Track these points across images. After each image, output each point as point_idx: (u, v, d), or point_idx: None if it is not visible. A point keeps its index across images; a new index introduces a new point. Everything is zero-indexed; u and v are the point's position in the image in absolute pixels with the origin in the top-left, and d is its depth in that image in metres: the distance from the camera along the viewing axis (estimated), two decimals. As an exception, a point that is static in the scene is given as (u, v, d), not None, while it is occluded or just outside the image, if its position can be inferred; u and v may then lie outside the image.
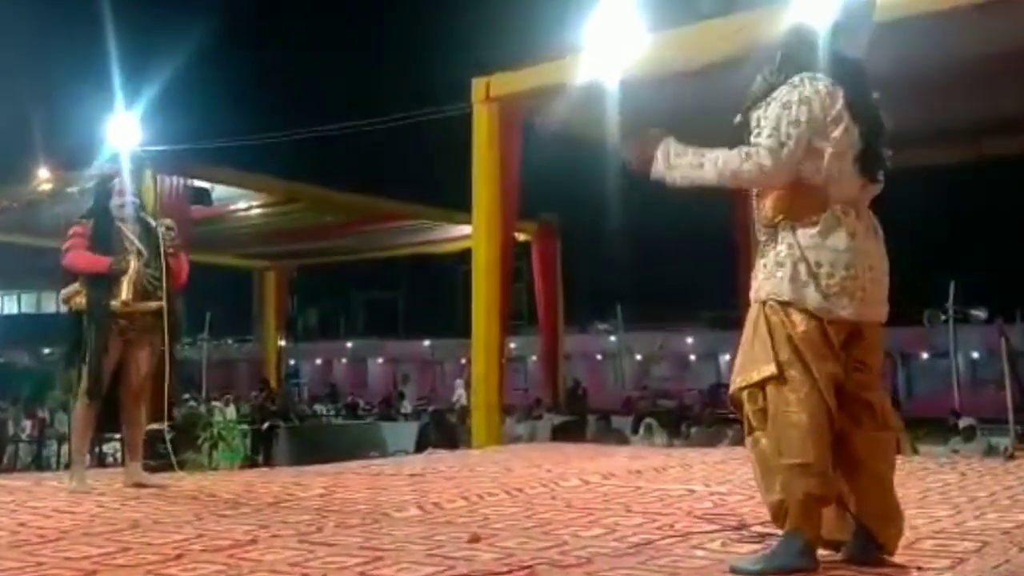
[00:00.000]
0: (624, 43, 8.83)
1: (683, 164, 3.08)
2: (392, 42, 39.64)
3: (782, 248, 2.95)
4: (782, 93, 2.96)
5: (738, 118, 3.10)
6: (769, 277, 2.96)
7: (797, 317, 2.90)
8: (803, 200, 2.94)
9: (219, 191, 13.29)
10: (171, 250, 5.15)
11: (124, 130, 12.59)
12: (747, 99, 3.07)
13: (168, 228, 5.24)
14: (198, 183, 12.75)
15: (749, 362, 2.96)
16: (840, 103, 2.94)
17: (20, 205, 14.41)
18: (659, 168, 3.12)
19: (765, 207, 3.04)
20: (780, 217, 2.98)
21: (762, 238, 3.05)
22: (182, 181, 12.45)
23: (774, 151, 2.91)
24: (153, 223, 5.26)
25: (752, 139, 2.97)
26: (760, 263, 3.02)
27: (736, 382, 3.00)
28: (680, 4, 9.19)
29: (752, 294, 3.02)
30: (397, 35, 39.41)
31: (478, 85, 9.88)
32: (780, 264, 2.94)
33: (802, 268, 2.90)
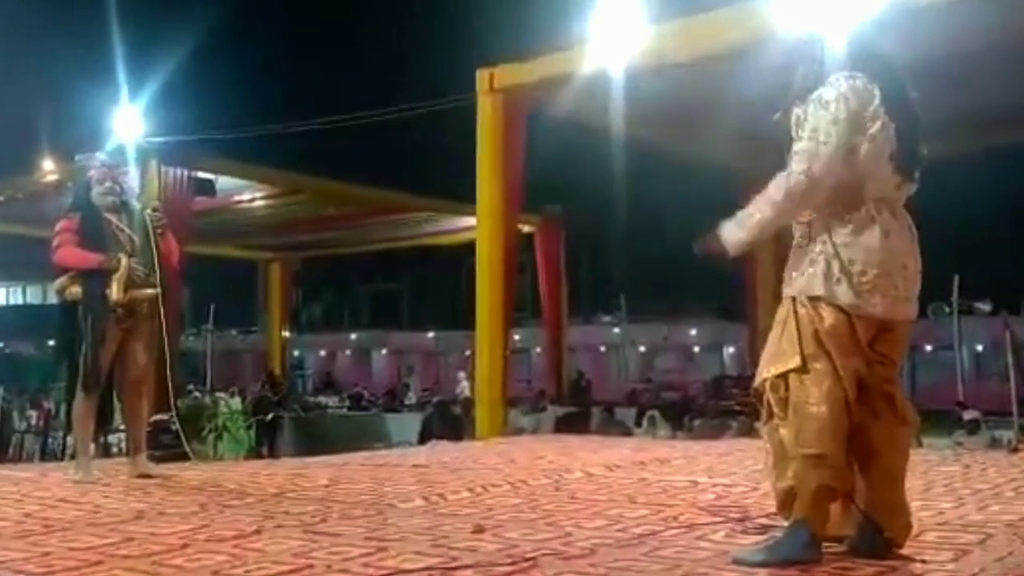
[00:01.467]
0: (628, 34, 8.81)
1: (745, 224, 3.01)
2: (397, 33, 39.57)
3: (816, 245, 2.96)
4: (820, 92, 2.96)
5: (778, 115, 3.09)
6: (802, 274, 2.98)
7: (826, 311, 2.91)
8: (838, 198, 2.94)
9: (223, 182, 13.30)
10: (159, 231, 5.13)
11: (129, 122, 12.62)
12: (788, 96, 3.06)
13: (154, 210, 5.24)
14: (202, 174, 12.75)
15: (776, 356, 2.99)
16: (877, 100, 2.94)
17: (25, 196, 14.43)
18: (730, 239, 3.04)
19: None
20: (814, 215, 2.98)
21: (796, 235, 3.06)
22: (186, 172, 12.45)
23: (812, 153, 2.89)
24: (138, 207, 5.25)
25: (793, 146, 2.96)
26: (793, 260, 3.03)
27: (762, 374, 3.02)
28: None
29: (784, 290, 3.04)
30: (402, 26, 39.36)
31: (482, 76, 9.87)
32: (813, 261, 2.95)
33: (835, 265, 2.91)
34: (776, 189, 2.94)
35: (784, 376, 2.94)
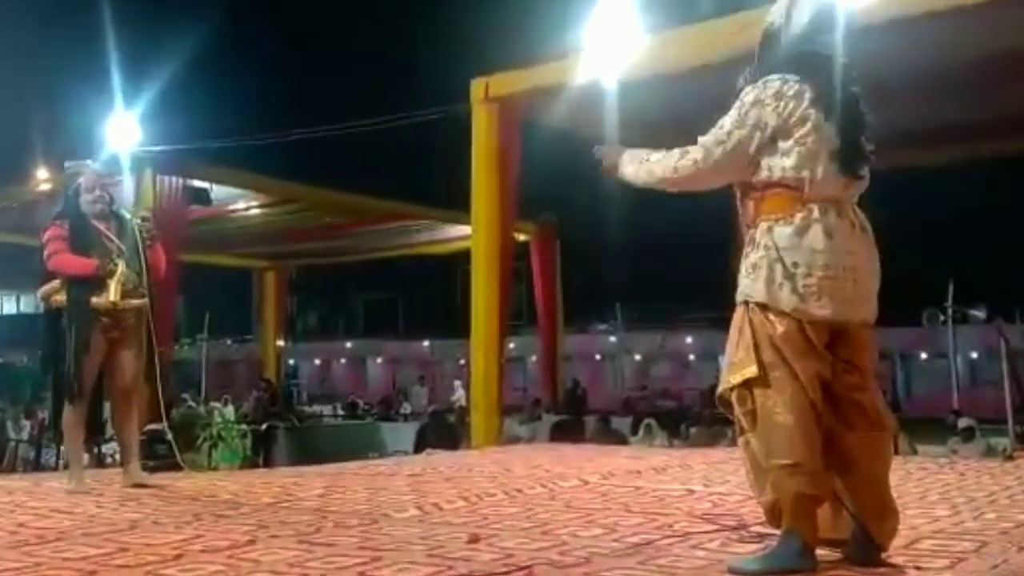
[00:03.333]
0: (623, 43, 8.81)
1: (638, 165, 3.24)
2: (392, 42, 39.65)
3: (759, 249, 2.95)
4: (746, 89, 3.01)
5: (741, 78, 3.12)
6: (747, 278, 2.97)
7: (774, 317, 2.90)
8: (779, 200, 2.94)
9: (218, 191, 13.30)
10: (149, 242, 5.12)
11: (123, 130, 12.61)
12: (734, 97, 3.08)
13: (144, 220, 5.22)
14: (197, 183, 12.75)
15: (734, 364, 2.97)
16: (806, 101, 2.93)
17: (20, 205, 14.41)
18: (624, 171, 3.29)
19: (748, 208, 3.05)
20: (759, 218, 2.99)
21: (747, 239, 3.06)
22: (181, 181, 12.45)
23: (708, 148, 3.01)
24: (128, 216, 5.23)
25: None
26: (743, 264, 3.02)
27: (722, 384, 3.02)
28: (680, 4, 9.20)
29: (737, 295, 3.03)
30: (397, 35, 39.43)
31: (477, 85, 9.88)
32: (756, 266, 2.94)
33: (778, 269, 2.90)
34: (669, 159, 3.12)
35: (748, 388, 2.92)
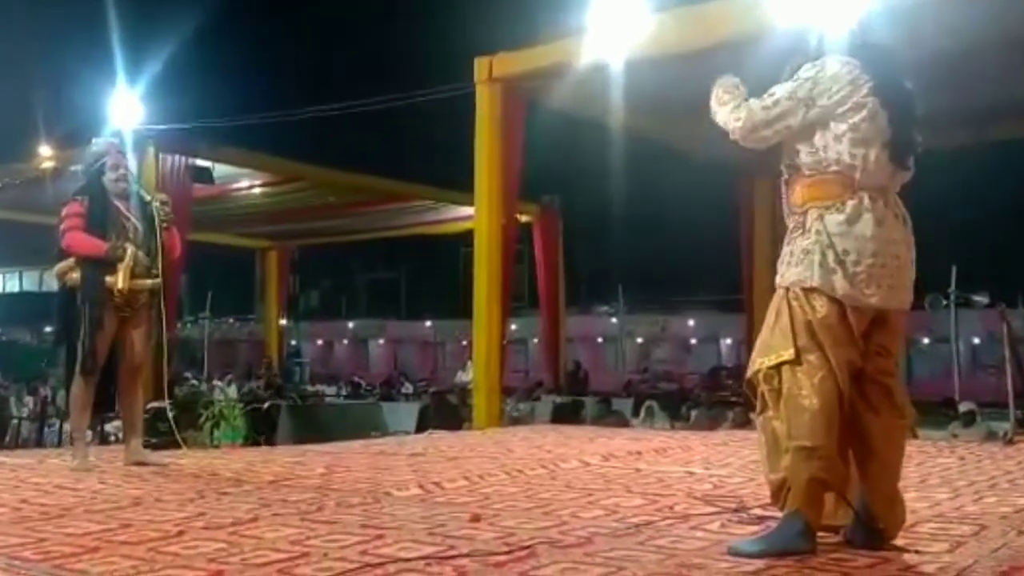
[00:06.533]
0: (628, 23, 8.79)
1: (716, 101, 3.15)
2: (396, 22, 39.47)
3: (810, 236, 2.95)
4: (803, 69, 3.00)
5: None
6: (796, 263, 2.97)
7: (819, 302, 2.91)
8: (830, 187, 2.94)
9: (221, 170, 13.27)
10: (165, 224, 5.14)
11: (126, 108, 12.58)
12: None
13: (163, 203, 5.23)
14: (200, 162, 12.73)
15: (769, 348, 2.99)
16: (865, 89, 2.93)
17: (22, 182, 14.39)
18: (713, 100, 3.19)
19: (794, 193, 3.04)
20: (808, 204, 2.98)
21: (790, 224, 3.06)
22: (184, 160, 12.42)
23: (752, 111, 3.01)
24: (148, 198, 5.24)
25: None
26: (787, 249, 3.02)
27: (754, 366, 3.02)
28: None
29: (777, 280, 3.04)
30: (401, 15, 39.26)
31: (481, 65, 9.83)
32: (808, 251, 2.94)
33: (829, 255, 2.91)
34: (727, 111, 3.08)
35: (778, 368, 2.94)
